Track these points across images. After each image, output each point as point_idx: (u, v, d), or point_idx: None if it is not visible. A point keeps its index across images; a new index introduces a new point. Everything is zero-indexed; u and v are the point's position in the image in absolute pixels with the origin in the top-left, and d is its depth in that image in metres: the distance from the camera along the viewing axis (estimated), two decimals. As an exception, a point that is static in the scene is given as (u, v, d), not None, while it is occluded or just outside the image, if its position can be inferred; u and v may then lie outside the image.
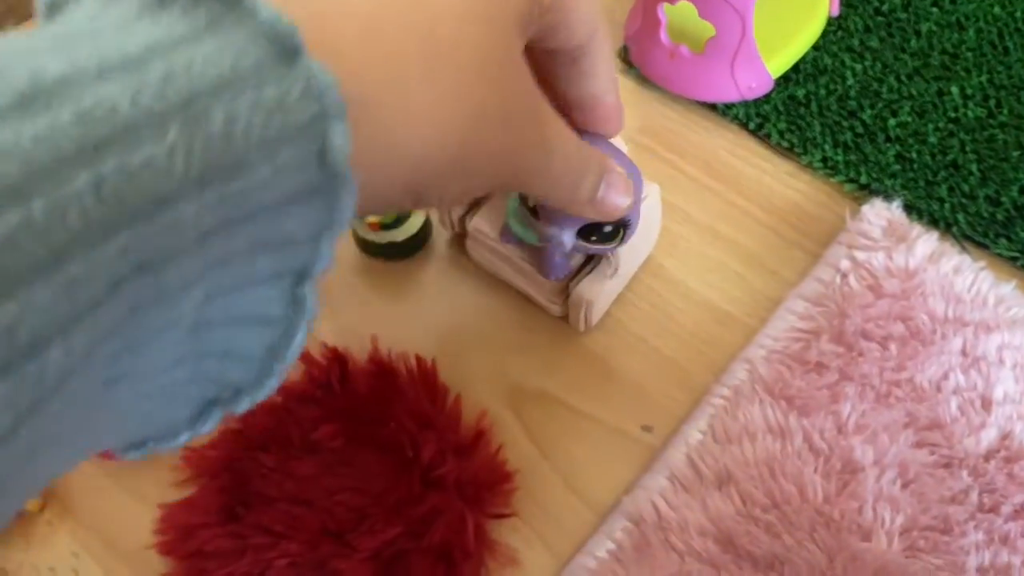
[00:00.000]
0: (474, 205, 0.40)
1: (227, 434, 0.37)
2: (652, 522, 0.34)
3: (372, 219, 0.40)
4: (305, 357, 0.39)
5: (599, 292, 0.38)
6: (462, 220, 0.40)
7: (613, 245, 0.35)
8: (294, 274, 0.19)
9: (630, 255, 0.39)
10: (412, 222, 0.41)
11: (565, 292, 0.39)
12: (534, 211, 0.34)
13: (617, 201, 0.30)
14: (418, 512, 0.35)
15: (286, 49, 0.17)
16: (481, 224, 0.39)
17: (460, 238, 0.42)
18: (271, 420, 0.37)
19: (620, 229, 0.34)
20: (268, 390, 0.20)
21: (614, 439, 0.38)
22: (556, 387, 0.39)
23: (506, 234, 0.38)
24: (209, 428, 0.20)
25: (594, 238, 0.34)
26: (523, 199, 0.35)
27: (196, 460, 0.37)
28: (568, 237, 0.34)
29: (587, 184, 0.29)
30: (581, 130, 0.31)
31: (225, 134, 0.16)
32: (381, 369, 0.38)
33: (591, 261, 0.38)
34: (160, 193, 0.15)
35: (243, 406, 0.20)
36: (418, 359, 0.38)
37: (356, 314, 0.41)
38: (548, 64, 0.28)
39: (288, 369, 0.20)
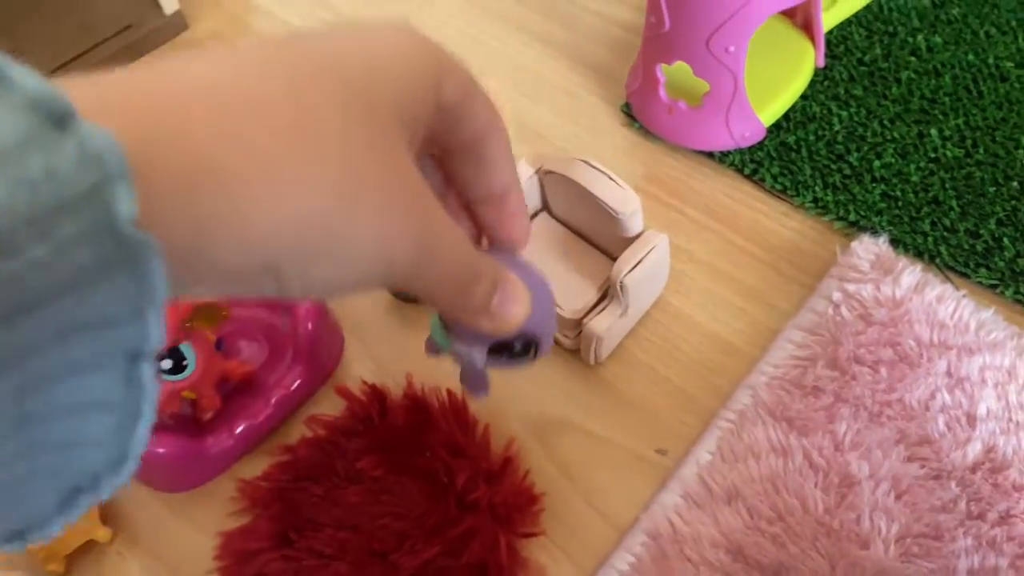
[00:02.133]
0: (496, 252, 0.44)
1: (278, 466, 0.41)
2: (668, 536, 0.37)
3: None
4: (346, 394, 0.42)
5: (609, 329, 0.41)
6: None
7: (525, 362, 0.34)
8: (125, 354, 0.18)
9: (640, 298, 0.42)
10: (439, 269, 0.45)
11: (578, 327, 0.43)
12: (447, 326, 0.33)
13: (513, 311, 0.28)
14: (455, 533, 0.38)
15: (56, 116, 0.16)
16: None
17: (484, 282, 0.46)
18: (318, 453, 0.41)
19: (531, 346, 0.33)
20: (128, 472, 0.19)
21: (631, 462, 0.41)
22: (576, 415, 0.42)
23: (430, 346, 0.35)
24: (79, 513, 0.19)
25: (505, 355, 0.33)
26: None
27: (250, 491, 0.41)
28: (478, 354, 0.32)
29: (479, 291, 0.26)
30: (490, 247, 0.32)
31: None
32: (416, 403, 0.42)
33: (604, 299, 0.42)
34: None
35: (107, 491, 0.19)
36: (449, 393, 0.42)
37: (390, 352, 0.45)
38: (453, 166, 0.28)
39: (142, 450, 0.19)
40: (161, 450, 0.39)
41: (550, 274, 0.43)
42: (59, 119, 0.16)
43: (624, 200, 0.40)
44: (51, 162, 0.16)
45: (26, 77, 0.16)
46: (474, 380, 0.35)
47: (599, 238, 0.44)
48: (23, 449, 0.17)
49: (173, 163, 0.18)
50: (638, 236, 0.41)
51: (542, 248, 0.45)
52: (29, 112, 0.16)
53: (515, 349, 0.33)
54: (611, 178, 0.40)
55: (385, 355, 0.45)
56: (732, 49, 0.44)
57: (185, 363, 0.38)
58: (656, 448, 0.41)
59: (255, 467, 0.42)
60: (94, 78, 0.19)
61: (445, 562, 0.37)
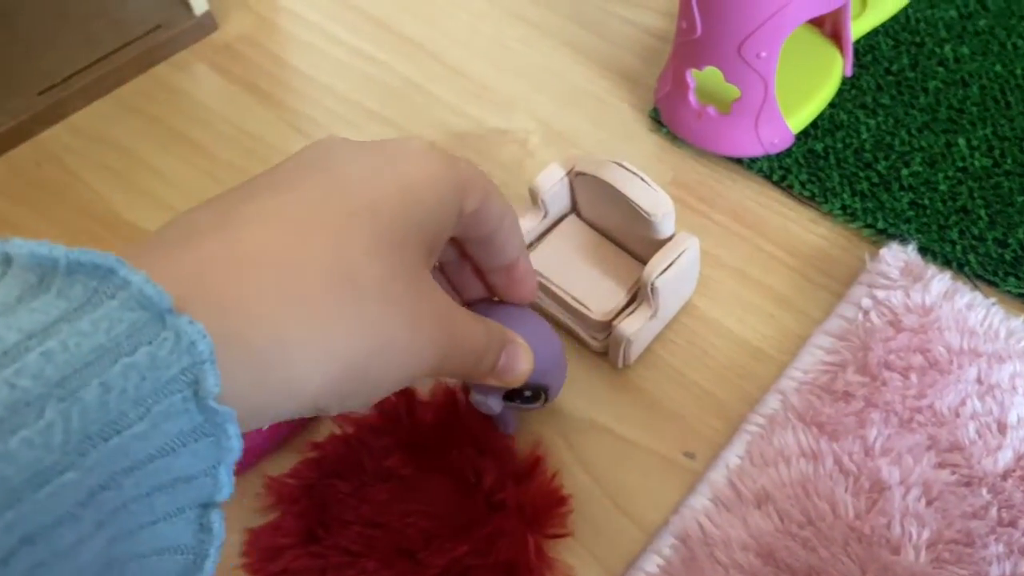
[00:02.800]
0: (530, 244, 0.44)
1: (306, 463, 0.41)
2: (698, 539, 0.37)
3: (433, 267, 0.44)
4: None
5: (638, 331, 0.41)
6: (515, 266, 0.44)
7: (537, 405, 0.38)
8: (198, 506, 0.20)
9: (671, 300, 0.42)
10: (468, 269, 0.45)
11: (607, 329, 0.43)
12: None
13: (517, 369, 0.33)
14: (483, 532, 0.38)
15: (157, 310, 0.19)
16: (535, 262, 0.43)
17: (512, 283, 0.46)
18: (346, 450, 0.41)
19: (540, 392, 0.38)
20: None
21: (659, 465, 0.41)
22: (604, 418, 0.42)
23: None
24: None
25: (517, 401, 0.38)
26: None
27: (277, 488, 0.41)
28: (495, 403, 0.37)
29: (487, 360, 0.31)
30: (498, 300, 0.36)
31: (101, 403, 0.18)
32: (444, 403, 0.42)
33: (633, 302, 0.42)
34: (40, 469, 0.17)
35: None
36: (478, 393, 0.42)
37: (418, 354, 0.45)
38: (469, 248, 0.33)
39: None
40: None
41: (578, 276, 0.44)
42: (160, 313, 0.19)
43: (657, 202, 0.40)
44: (154, 350, 0.19)
45: (135, 275, 0.19)
46: (498, 420, 0.40)
47: (629, 241, 0.44)
48: None
49: (241, 338, 0.21)
50: (670, 239, 0.41)
51: (571, 250, 0.45)
52: (138, 308, 0.19)
53: (526, 396, 0.38)
54: (644, 180, 0.40)
55: (412, 354, 0.45)
56: (764, 55, 0.45)
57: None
58: (684, 451, 0.41)
59: (282, 464, 0.42)
60: (169, 250, 0.22)
61: (473, 561, 0.37)
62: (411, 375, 0.27)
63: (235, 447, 0.20)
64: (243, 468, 0.42)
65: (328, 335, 0.23)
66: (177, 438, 0.19)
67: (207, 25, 0.59)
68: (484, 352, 0.31)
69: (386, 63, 0.58)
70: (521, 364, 0.33)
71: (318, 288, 0.23)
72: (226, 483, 0.21)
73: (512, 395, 0.38)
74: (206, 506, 0.21)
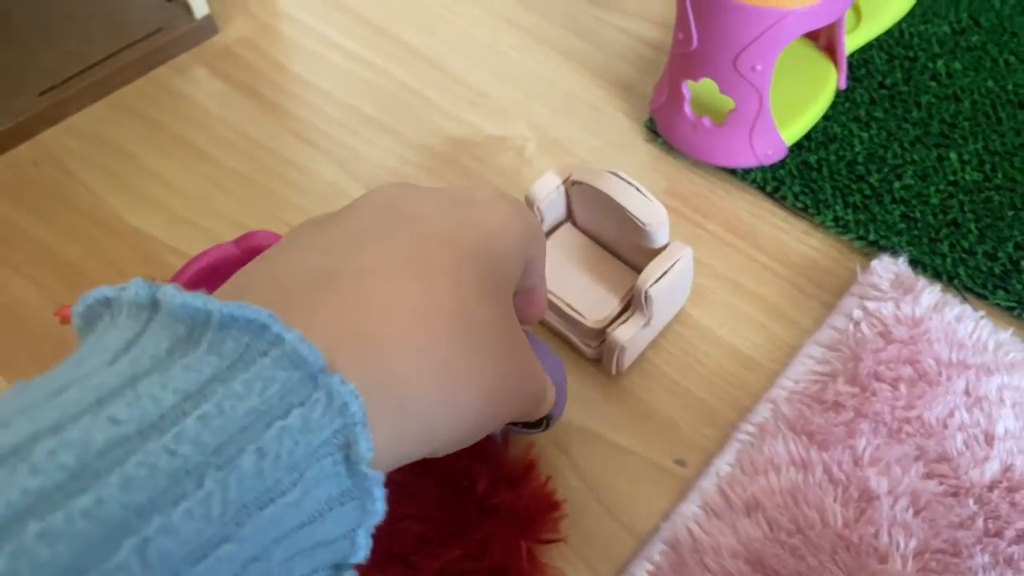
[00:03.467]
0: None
1: (301, 466, 0.41)
2: (688, 545, 0.38)
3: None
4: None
5: (632, 339, 0.42)
6: (511, 274, 0.45)
7: (539, 430, 0.39)
8: (331, 567, 0.20)
9: (664, 309, 0.43)
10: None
11: (601, 337, 0.43)
12: None
13: (549, 407, 0.34)
14: (475, 537, 0.38)
15: (310, 370, 0.19)
16: (528, 277, 0.44)
17: (507, 290, 0.46)
18: (340, 453, 0.41)
19: (543, 419, 0.38)
20: None
21: (651, 472, 0.41)
22: (597, 424, 0.43)
23: None
24: None
25: (520, 425, 0.38)
26: None
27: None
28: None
29: (544, 406, 0.32)
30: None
31: (257, 470, 0.17)
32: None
33: (627, 310, 0.43)
34: (200, 543, 0.16)
35: None
36: (472, 399, 0.42)
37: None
38: None
39: None
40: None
41: (573, 283, 0.44)
42: (313, 373, 0.19)
43: (651, 212, 0.40)
44: (307, 412, 0.18)
45: (289, 333, 0.19)
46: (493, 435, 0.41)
47: (623, 249, 0.45)
48: None
49: (384, 389, 0.21)
50: (663, 248, 0.42)
51: (566, 258, 0.45)
52: (291, 367, 0.18)
53: (530, 421, 0.38)
54: (639, 190, 0.41)
55: (407, 359, 0.45)
56: (759, 68, 0.45)
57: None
58: (676, 459, 0.42)
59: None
60: (311, 305, 0.21)
61: (465, 565, 0.38)
62: (512, 417, 0.28)
63: (379, 510, 0.20)
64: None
65: (457, 381, 0.23)
66: (326, 503, 0.19)
67: (207, 29, 0.60)
68: (543, 396, 0.32)
69: (385, 69, 0.58)
70: (552, 403, 0.34)
71: (445, 335, 0.23)
72: (363, 545, 0.20)
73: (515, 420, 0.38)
74: (340, 568, 0.20)
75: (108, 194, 0.52)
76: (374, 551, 0.38)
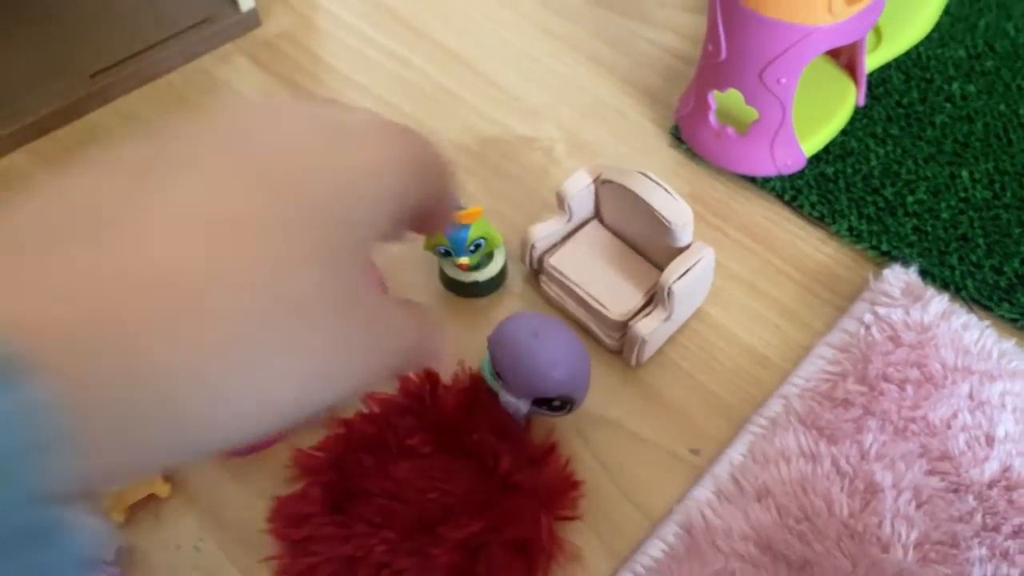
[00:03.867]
0: (553, 245, 0.47)
1: (333, 438, 0.43)
2: (700, 528, 0.40)
3: (463, 260, 0.46)
4: (400, 376, 0.45)
5: (653, 332, 0.44)
6: (540, 258, 0.47)
7: (562, 414, 0.41)
8: None
9: (685, 305, 0.45)
10: (493, 265, 0.48)
11: (623, 329, 0.45)
12: (499, 375, 0.41)
13: (437, 356, 0.28)
14: (498, 511, 0.40)
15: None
16: (558, 262, 0.46)
17: (535, 275, 0.48)
18: (372, 428, 0.43)
19: (568, 403, 0.41)
20: None
21: (666, 459, 0.43)
22: (615, 412, 0.45)
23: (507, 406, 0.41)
24: None
25: (545, 408, 0.41)
26: (493, 367, 0.42)
27: (304, 460, 0.43)
28: (524, 405, 0.41)
29: (429, 350, 0.27)
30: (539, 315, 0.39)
31: None
32: (465, 388, 0.44)
33: (649, 305, 0.45)
34: None
35: None
36: (499, 382, 0.44)
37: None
38: None
39: None
40: (227, 413, 0.41)
41: (598, 277, 0.46)
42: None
43: (678, 211, 0.43)
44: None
45: None
46: (515, 416, 0.42)
47: (647, 248, 0.47)
48: None
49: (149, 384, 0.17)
50: (687, 247, 0.44)
51: (593, 253, 0.47)
52: None
53: (554, 404, 0.41)
54: (666, 190, 0.43)
55: (436, 343, 0.48)
56: (784, 81, 0.47)
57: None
58: (690, 448, 0.44)
59: (308, 439, 0.44)
60: (44, 268, 0.17)
61: (488, 537, 0.40)
62: (375, 378, 0.24)
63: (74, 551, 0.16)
64: (272, 440, 0.44)
65: (262, 370, 0.19)
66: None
67: (250, 21, 0.62)
68: (423, 344, 0.27)
69: (420, 68, 0.61)
70: (440, 350, 0.28)
71: (253, 317, 0.19)
72: None
73: (541, 402, 0.40)
74: None
75: (153, 174, 0.54)
76: (402, 520, 0.40)
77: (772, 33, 0.46)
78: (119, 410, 0.17)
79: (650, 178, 0.44)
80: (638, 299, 0.45)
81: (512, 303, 0.49)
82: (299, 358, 0.20)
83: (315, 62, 0.61)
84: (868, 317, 0.46)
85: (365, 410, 0.44)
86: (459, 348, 0.47)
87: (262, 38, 0.62)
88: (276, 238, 0.20)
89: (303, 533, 0.41)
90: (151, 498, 0.42)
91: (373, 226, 0.23)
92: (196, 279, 0.18)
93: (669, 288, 0.43)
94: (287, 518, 0.42)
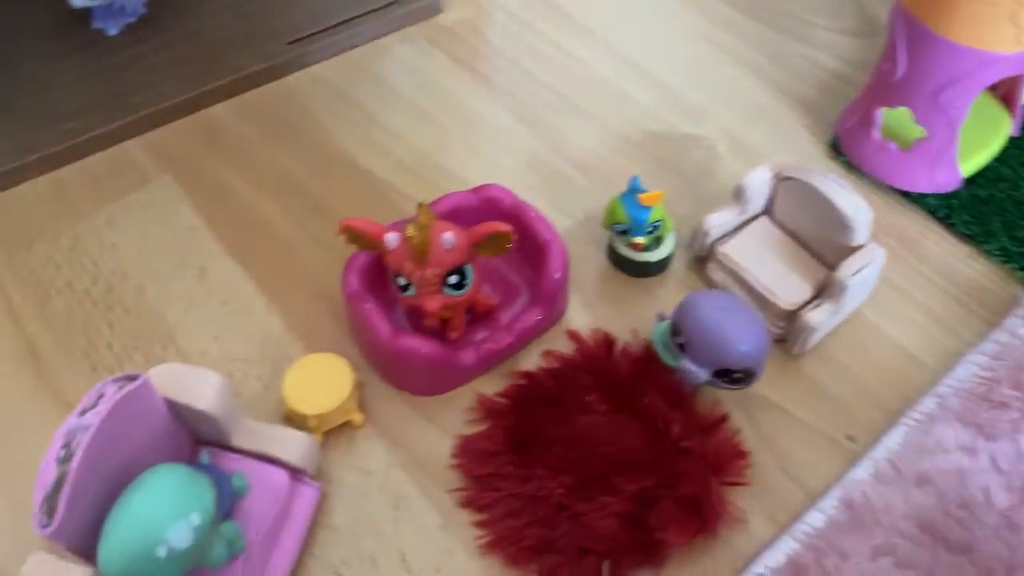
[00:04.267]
0: (724, 235, 0.50)
1: (516, 387, 0.47)
2: (862, 504, 0.42)
3: (639, 240, 0.50)
4: (577, 338, 0.49)
5: (822, 323, 0.47)
6: (711, 246, 0.50)
7: (739, 387, 0.45)
8: None
9: (852, 300, 0.48)
10: (663, 248, 0.51)
11: (789, 318, 0.48)
12: (681, 347, 0.44)
13: None
14: (670, 470, 0.43)
15: None
16: (730, 250, 0.49)
17: (700, 261, 0.52)
18: (552, 381, 0.47)
19: (747, 377, 0.44)
20: None
21: (823, 443, 0.46)
22: (777, 396, 0.48)
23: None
24: None
25: (725, 380, 0.44)
26: (674, 334, 0.45)
27: (487, 404, 0.47)
28: (704, 374, 0.44)
29: None
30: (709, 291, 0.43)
31: None
32: (639, 356, 0.47)
33: (816, 298, 0.48)
34: None
35: None
36: (671, 353, 0.47)
37: (608, 312, 0.51)
38: None
39: None
40: (425, 350, 0.45)
41: (768, 269, 0.49)
42: None
43: (859, 210, 0.46)
44: None
45: None
46: (693, 383, 0.45)
47: (817, 245, 0.50)
48: None
49: None
50: (860, 247, 0.47)
51: (763, 246, 0.50)
52: None
53: (735, 376, 0.43)
54: (847, 189, 0.46)
55: (603, 313, 0.51)
56: (958, 105, 0.50)
57: (465, 283, 0.44)
58: (847, 435, 0.46)
59: (492, 386, 0.48)
60: None
61: (661, 492, 0.43)
62: None
63: None
64: (459, 383, 0.48)
65: None
66: None
67: (433, 7, 0.67)
68: None
69: (586, 61, 0.65)
70: None
71: None
72: None
73: (722, 373, 0.43)
74: None
75: (343, 137, 0.59)
76: (579, 468, 0.44)
77: (956, 57, 0.48)
78: None
79: (831, 177, 0.47)
80: (807, 291, 0.48)
81: (675, 286, 0.52)
82: None
83: (491, 49, 0.65)
84: (1021, 331, 0.48)
85: (545, 364, 0.48)
86: (623, 320, 0.50)
87: (443, 24, 0.67)
88: None
89: (487, 470, 0.45)
90: (347, 425, 0.46)
91: None
92: None
93: (845, 283, 0.46)
94: (472, 454, 0.45)
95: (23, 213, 0.55)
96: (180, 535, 0.33)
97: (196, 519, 0.33)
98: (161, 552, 0.32)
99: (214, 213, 0.55)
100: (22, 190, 0.56)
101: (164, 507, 0.33)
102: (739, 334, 0.42)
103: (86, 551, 0.34)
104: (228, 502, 0.38)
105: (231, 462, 0.41)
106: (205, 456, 0.40)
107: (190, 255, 0.53)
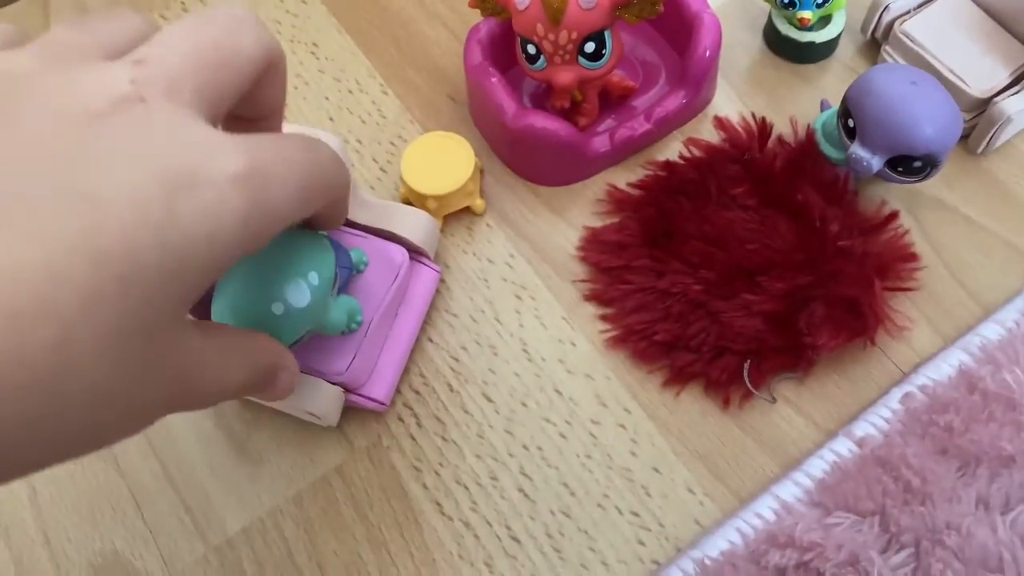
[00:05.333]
0: (906, 12, 0.43)
1: (654, 179, 0.43)
2: (1048, 320, 0.37)
3: (806, 14, 0.43)
4: (727, 126, 0.43)
5: (1019, 112, 0.40)
6: (890, 24, 0.43)
7: (916, 180, 0.38)
8: None
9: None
10: (832, 27, 0.44)
11: (979, 108, 0.41)
12: (851, 132, 0.38)
13: (278, 392, 0.28)
14: (826, 269, 0.39)
15: None
16: (912, 29, 0.42)
17: (875, 45, 0.45)
18: (694, 172, 0.42)
19: (928, 167, 0.37)
20: None
21: (1005, 251, 0.40)
22: (952, 198, 0.42)
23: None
24: None
25: (900, 169, 0.37)
26: (844, 117, 0.38)
27: (620, 196, 0.43)
28: (877, 162, 0.37)
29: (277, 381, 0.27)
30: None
31: None
32: (797, 148, 0.42)
33: (1018, 84, 0.41)
34: None
35: None
36: (831, 145, 0.42)
37: (762, 101, 0.45)
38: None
39: None
40: (554, 128, 0.40)
41: (958, 51, 0.42)
42: None
43: (1089, -27, 0.37)
44: None
45: None
46: (863, 173, 0.39)
47: (1020, 20, 0.42)
48: None
49: None
50: (1079, 22, 0.39)
51: (953, 25, 0.43)
52: None
53: (914, 166, 0.37)
54: (1077, -51, 0.38)
55: (757, 103, 0.45)
56: None
57: (604, 52, 0.39)
58: (1034, 243, 0.40)
59: (625, 176, 0.43)
60: None
61: (816, 292, 0.38)
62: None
63: None
64: (588, 173, 0.44)
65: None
66: None
67: None
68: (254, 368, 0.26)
69: None
70: (282, 390, 0.28)
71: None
72: None
73: (898, 161, 0.37)
74: None
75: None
76: (721, 264, 0.39)
77: None
78: None
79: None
80: (1003, 76, 0.41)
81: (842, 74, 0.46)
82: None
83: None
84: None
85: (687, 153, 0.43)
86: (779, 111, 0.44)
87: None
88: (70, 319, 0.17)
89: (618, 262, 0.41)
90: (466, 211, 0.43)
91: (189, 286, 0.20)
92: None
93: (1054, 62, 0.38)
94: (602, 246, 0.42)
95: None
96: (298, 294, 0.31)
97: (314, 279, 0.31)
98: (278, 309, 0.30)
99: (326, -13, 0.51)
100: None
101: (281, 265, 0.31)
102: (929, 113, 0.36)
103: (199, 311, 0.32)
104: (347, 273, 0.36)
105: (349, 238, 0.38)
106: (323, 228, 0.37)
107: (301, 31, 0.50)
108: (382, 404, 0.37)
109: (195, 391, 0.22)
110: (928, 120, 0.36)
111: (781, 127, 0.43)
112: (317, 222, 0.30)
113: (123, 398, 0.19)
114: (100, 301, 0.17)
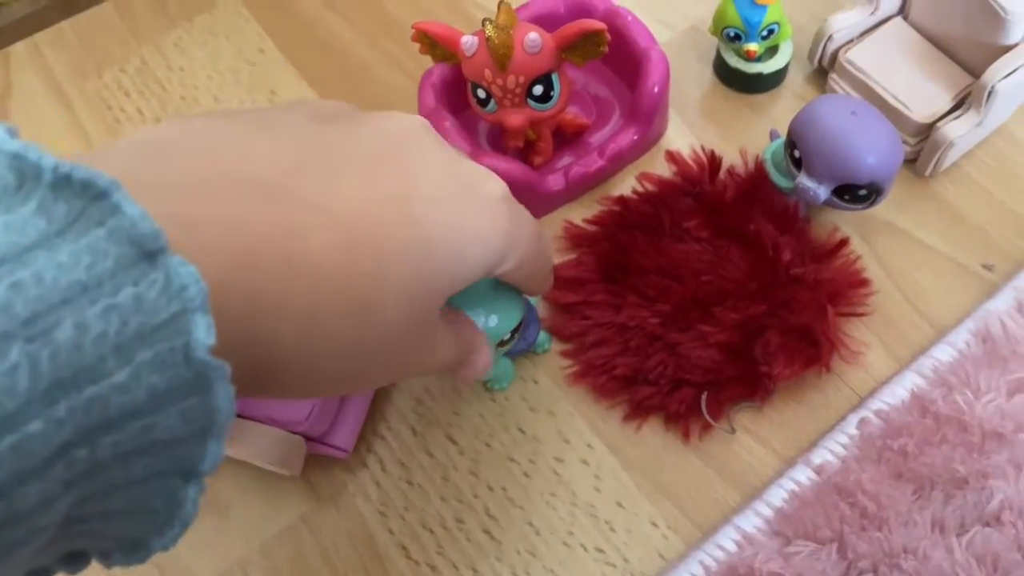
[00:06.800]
0: (850, 41, 0.44)
1: (608, 214, 0.43)
2: (999, 337, 0.38)
3: (752, 47, 0.44)
4: (678, 159, 0.44)
5: (961, 136, 0.41)
6: (835, 53, 0.44)
7: (862, 207, 0.39)
8: (180, 473, 0.18)
9: (999, 111, 0.41)
10: (780, 58, 0.45)
11: (923, 133, 0.42)
12: (797, 163, 0.39)
13: (472, 376, 0.32)
14: (779, 298, 0.39)
15: (148, 250, 0.17)
16: (856, 57, 0.43)
17: (822, 73, 0.46)
18: (647, 207, 0.43)
19: (872, 195, 0.38)
20: (138, 559, 0.19)
21: (955, 272, 0.41)
22: (903, 221, 0.42)
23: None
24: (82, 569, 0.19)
25: (847, 198, 0.38)
26: (790, 148, 0.39)
27: (576, 233, 0.43)
28: (824, 192, 0.38)
29: (469, 364, 0.31)
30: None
31: (75, 344, 0.15)
32: (746, 178, 0.43)
33: (960, 107, 0.41)
34: (3, 415, 0.15)
35: (115, 562, 0.19)
36: (780, 174, 0.42)
37: (713, 135, 0.46)
38: None
39: (163, 548, 0.19)
40: (507, 168, 0.41)
41: (901, 77, 0.43)
42: (151, 253, 0.17)
43: (1016, 1, 0.38)
44: (140, 291, 0.16)
45: (131, 207, 0.17)
46: (802, 201, 0.40)
47: (961, 48, 0.43)
48: (58, 539, 0.17)
49: (241, 293, 0.20)
50: (1014, 47, 0.40)
51: (896, 51, 0.44)
52: (127, 243, 0.17)
53: (860, 193, 0.38)
54: (1006, -22, 0.39)
55: (707, 135, 0.46)
56: None
57: (552, 94, 0.40)
58: (983, 263, 0.41)
59: (581, 213, 0.44)
60: (196, 201, 0.21)
61: (769, 321, 0.39)
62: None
63: (223, 409, 0.18)
64: (545, 211, 0.44)
65: (328, 360, 0.23)
66: (164, 394, 0.17)
67: None
68: (461, 361, 0.30)
69: None
70: (479, 369, 0.32)
71: (342, 323, 0.23)
72: (212, 452, 0.18)
73: (844, 190, 0.38)
74: (187, 476, 0.18)
75: None
76: (676, 296, 0.40)
77: None
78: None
79: (986, -36, 0.39)
80: (945, 102, 0.42)
81: (790, 103, 0.47)
82: (359, 364, 0.24)
83: None
84: None
85: (640, 188, 0.44)
86: (731, 144, 0.45)
87: None
88: (390, 284, 0.23)
89: (576, 298, 0.41)
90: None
91: (464, 281, 0.26)
92: (335, 277, 0.22)
93: (991, 88, 0.39)
94: (560, 281, 0.42)
95: (92, 40, 0.53)
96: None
97: (492, 321, 0.32)
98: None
99: (283, 35, 0.52)
100: (89, 15, 0.54)
101: (474, 294, 0.31)
102: (870, 143, 0.37)
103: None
104: (523, 345, 0.38)
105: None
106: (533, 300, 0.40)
107: (260, 79, 0.50)
108: (344, 451, 0.37)
109: (428, 360, 0.28)
110: (869, 150, 0.37)
111: (733, 158, 0.44)
112: (523, 284, 0.32)
113: (402, 349, 0.25)
114: (419, 277, 0.24)
